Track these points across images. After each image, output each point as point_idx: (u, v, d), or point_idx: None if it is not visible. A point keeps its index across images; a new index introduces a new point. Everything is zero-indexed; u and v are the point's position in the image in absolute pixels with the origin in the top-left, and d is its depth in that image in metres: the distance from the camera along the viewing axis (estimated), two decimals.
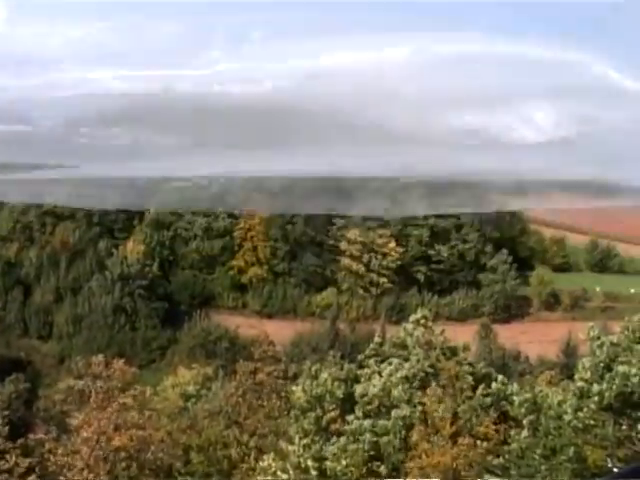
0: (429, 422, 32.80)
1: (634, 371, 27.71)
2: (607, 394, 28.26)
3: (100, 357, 46.31)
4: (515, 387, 33.43)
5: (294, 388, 38.61)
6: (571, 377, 33.25)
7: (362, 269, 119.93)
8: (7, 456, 40.46)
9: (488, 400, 33.60)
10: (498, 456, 31.65)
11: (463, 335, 63.22)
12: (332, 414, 35.05)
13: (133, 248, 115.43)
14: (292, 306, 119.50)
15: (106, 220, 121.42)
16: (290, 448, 34.31)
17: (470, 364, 37.23)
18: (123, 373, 44.57)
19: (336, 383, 35.70)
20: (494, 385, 33.77)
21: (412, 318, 38.46)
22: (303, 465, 33.21)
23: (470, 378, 35.17)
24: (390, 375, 34.58)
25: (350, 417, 34.21)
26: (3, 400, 56.99)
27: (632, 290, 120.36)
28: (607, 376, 28.39)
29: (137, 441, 40.28)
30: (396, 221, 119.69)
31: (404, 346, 37.14)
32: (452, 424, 32.45)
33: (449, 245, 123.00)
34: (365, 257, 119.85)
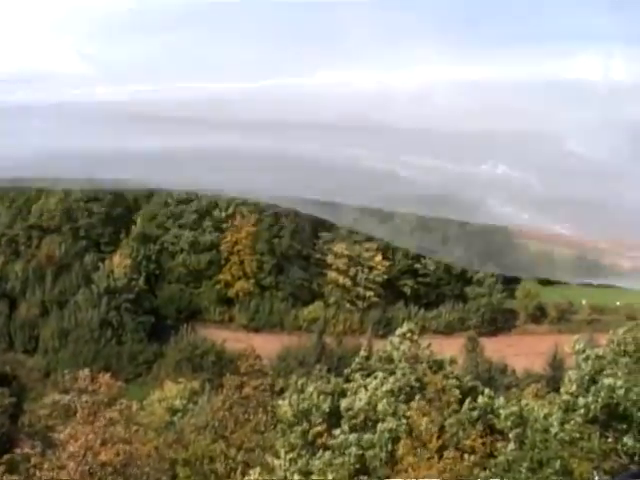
0: (415, 436, 32.82)
1: (619, 383, 27.81)
2: (593, 407, 28.35)
3: (86, 371, 46.11)
4: (501, 400, 33.54)
5: (280, 402, 38.59)
6: (558, 389, 33.35)
7: (349, 283, 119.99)
8: None
9: (475, 414, 33.64)
10: (485, 469, 31.68)
11: (450, 348, 63.27)
12: (318, 428, 35.03)
13: (119, 262, 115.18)
14: (279, 320, 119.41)
15: (92, 234, 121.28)
16: (276, 462, 34.29)
17: (457, 377, 37.27)
18: (109, 387, 44.42)
19: (322, 397, 35.70)
20: (480, 399, 33.82)
21: (398, 332, 38.53)
22: (289, 479, 33.18)
23: (457, 392, 35.22)
24: (375, 389, 34.60)
25: (336, 431, 34.20)
26: None
27: (617, 302, 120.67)
28: (593, 389, 28.50)
29: (124, 456, 40.11)
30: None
31: (390, 360, 37.17)
32: (438, 437, 32.48)
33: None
34: (352, 271, 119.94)
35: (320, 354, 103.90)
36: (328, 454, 33.62)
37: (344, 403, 35.10)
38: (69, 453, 39.72)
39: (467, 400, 34.34)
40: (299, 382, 37.67)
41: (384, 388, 34.55)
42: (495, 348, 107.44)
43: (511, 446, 30.82)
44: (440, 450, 32.32)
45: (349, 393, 35.97)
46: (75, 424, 41.25)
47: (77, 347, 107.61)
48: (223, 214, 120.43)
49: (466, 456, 32.18)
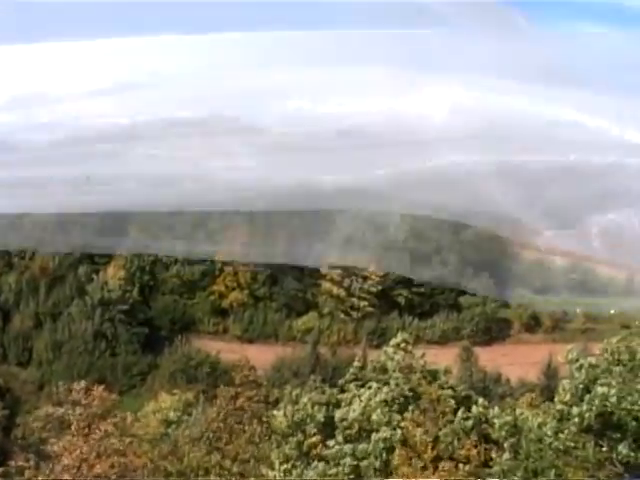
0: (410, 446, 32.80)
1: (613, 392, 27.85)
2: (587, 415, 28.37)
3: (82, 383, 46.03)
4: (496, 410, 33.48)
5: (275, 413, 38.54)
6: (552, 399, 33.35)
7: (343, 293, 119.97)
8: None
9: (469, 423, 33.62)
10: (479, 479, 31.68)
11: (444, 358, 63.25)
12: (313, 439, 34.99)
13: (113, 273, 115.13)
14: (273, 330, 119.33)
15: None
16: (271, 474, 34.27)
17: (451, 387, 37.24)
18: (103, 400, 44.31)
19: (317, 407, 35.66)
20: (474, 408, 33.80)
21: (392, 342, 38.48)
22: None
23: (452, 402, 35.17)
24: (369, 399, 34.57)
25: (331, 442, 34.16)
26: None
27: (612, 311, 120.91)
28: (587, 398, 28.52)
29: (118, 468, 40.05)
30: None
31: (385, 370, 37.13)
32: (433, 448, 32.46)
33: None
34: (346, 281, 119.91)
35: (314, 365, 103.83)
36: (322, 465, 33.59)
37: (338, 414, 35.07)
38: (63, 466, 39.66)
39: (460, 410, 34.31)
40: (294, 393, 37.64)
41: (377, 398, 34.54)
42: (489, 357, 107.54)
43: (506, 456, 30.81)
44: (435, 460, 32.31)
45: (343, 404, 35.93)
46: (69, 437, 41.19)
47: (71, 359, 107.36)
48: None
49: (461, 466, 32.19)
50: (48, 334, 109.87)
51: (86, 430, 41.04)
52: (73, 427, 41.50)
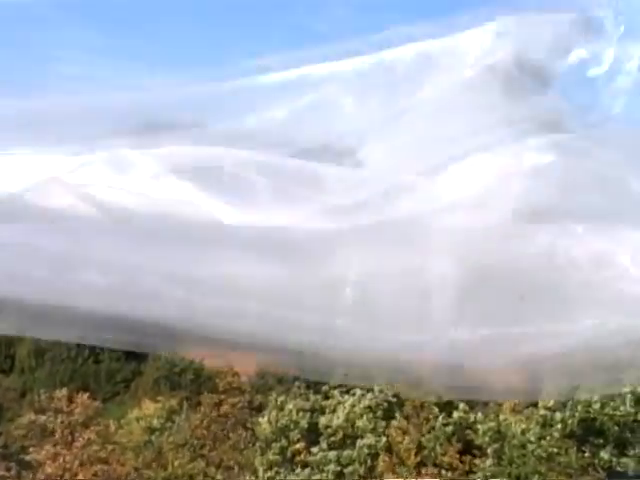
0: (394, 452, 32.82)
1: (595, 397, 27.97)
2: (570, 421, 28.51)
3: (64, 391, 45.82)
4: (479, 416, 33.56)
5: (260, 419, 38.50)
6: (536, 404, 33.50)
7: None
8: None
9: (449, 429, 33.63)
10: None
11: None
12: (297, 445, 34.94)
13: None
14: None
15: None
16: None
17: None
18: (86, 408, 44.11)
19: (301, 414, 35.63)
20: (455, 414, 33.84)
21: None
22: None
23: (436, 408, 35.20)
24: (353, 406, 34.57)
25: (315, 449, 34.14)
26: None
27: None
28: (569, 403, 28.65)
29: (102, 476, 39.85)
30: None
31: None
32: (417, 454, 32.49)
33: None
34: None
35: None
36: (307, 471, 33.59)
37: (322, 420, 35.05)
38: (46, 474, 39.42)
39: (441, 416, 34.32)
40: (278, 399, 37.62)
41: (362, 404, 34.53)
42: None
43: (489, 462, 30.89)
44: (419, 466, 32.33)
45: (327, 410, 35.91)
46: (52, 445, 40.94)
47: (54, 366, 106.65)
48: None
49: (444, 472, 32.23)
50: (31, 341, 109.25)
51: (69, 438, 40.83)
52: (57, 435, 41.27)
